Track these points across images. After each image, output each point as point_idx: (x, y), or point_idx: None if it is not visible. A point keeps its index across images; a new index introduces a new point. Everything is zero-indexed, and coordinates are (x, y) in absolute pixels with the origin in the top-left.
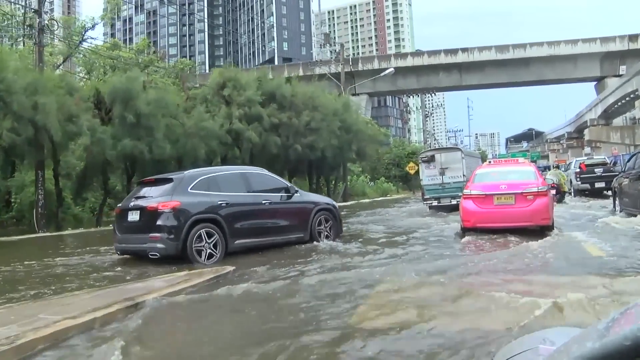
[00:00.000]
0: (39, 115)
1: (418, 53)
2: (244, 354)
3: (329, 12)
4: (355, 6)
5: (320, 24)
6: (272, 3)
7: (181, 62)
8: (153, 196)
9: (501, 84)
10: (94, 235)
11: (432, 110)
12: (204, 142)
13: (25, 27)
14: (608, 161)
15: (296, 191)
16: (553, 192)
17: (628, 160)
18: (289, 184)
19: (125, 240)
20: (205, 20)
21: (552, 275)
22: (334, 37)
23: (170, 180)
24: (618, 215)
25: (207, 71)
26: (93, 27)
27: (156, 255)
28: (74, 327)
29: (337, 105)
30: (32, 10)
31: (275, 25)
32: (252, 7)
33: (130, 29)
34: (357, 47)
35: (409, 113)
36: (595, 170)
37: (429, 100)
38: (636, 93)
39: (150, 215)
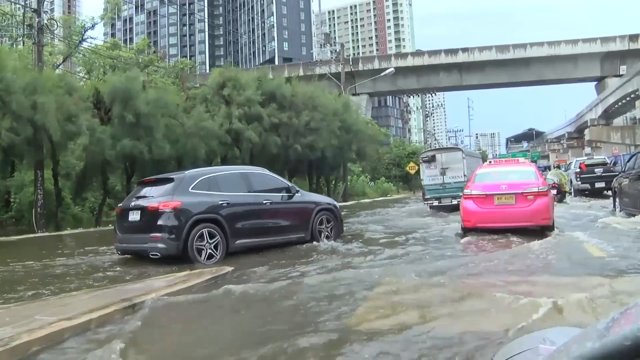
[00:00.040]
0: (38, 114)
1: (418, 53)
2: (242, 355)
3: (329, 12)
4: (355, 6)
5: (320, 24)
6: (272, 3)
7: (181, 62)
8: (154, 196)
9: (501, 84)
10: (93, 235)
11: (433, 110)
12: (203, 142)
13: (25, 26)
14: (608, 161)
15: (297, 191)
16: (554, 192)
17: (628, 160)
18: (290, 184)
19: (126, 240)
20: (206, 20)
21: (554, 275)
22: (334, 37)
23: (171, 180)
24: (618, 215)
25: (207, 71)
26: (93, 26)
27: (157, 255)
28: (69, 328)
29: (337, 105)
30: (32, 10)
31: (275, 25)
32: (252, 7)
33: (131, 29)
34: (358, 47)
35: (409, 113)
36: (596, 170)
37: (429, 100)
38: (636, 93)
39: (151, 215)
